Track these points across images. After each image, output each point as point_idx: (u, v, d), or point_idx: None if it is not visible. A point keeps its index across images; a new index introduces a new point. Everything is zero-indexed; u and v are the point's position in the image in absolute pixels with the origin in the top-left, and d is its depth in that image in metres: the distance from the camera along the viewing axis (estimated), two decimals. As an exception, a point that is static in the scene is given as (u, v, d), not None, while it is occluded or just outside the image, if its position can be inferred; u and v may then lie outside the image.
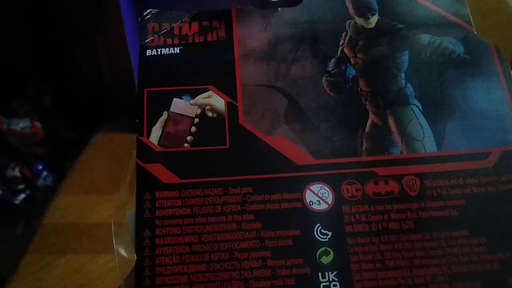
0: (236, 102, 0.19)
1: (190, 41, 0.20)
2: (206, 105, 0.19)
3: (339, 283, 0.17)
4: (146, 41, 0.20)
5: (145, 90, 0.20)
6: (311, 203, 0.18)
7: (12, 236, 0.75)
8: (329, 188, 0.18)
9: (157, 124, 0.19)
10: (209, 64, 0.20)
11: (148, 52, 0.20)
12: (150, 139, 0.19)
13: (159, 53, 0.20)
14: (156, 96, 0.19)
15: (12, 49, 0.75)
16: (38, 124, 0.75)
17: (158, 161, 0.19)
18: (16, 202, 0.76)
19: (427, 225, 0.17)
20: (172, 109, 0.19)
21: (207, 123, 0.19)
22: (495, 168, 0.18)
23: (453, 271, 0.17)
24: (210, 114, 0.19)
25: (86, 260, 0.42)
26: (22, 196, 0.77)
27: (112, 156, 0.58)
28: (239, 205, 0.18)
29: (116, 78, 0.73)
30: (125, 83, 0.59)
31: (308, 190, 0.18)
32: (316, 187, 0.18)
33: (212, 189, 0.18)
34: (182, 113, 0.19)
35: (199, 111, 0.19)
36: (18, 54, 0.76)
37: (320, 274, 0.17)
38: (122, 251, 0.19)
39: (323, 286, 0.17)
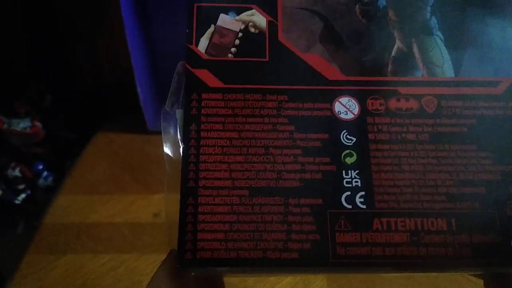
0: (277, 21, 0.22)
1: None
2: (249, 22, 0.22)
3: (360, 180, 0.20)
4: None
5: (195, 4, 0.22)
6: (339, 113, 0.20)
7: (13, 236, 0.75)
8: (356, 101, 0.21)
9: (205, 35, 0.22)
10: None
11: None
12: (198, 47, 0.21)
13: None
14: (205, 10, 0.22)
15: (12, 49, 0.75)
16: (38, 124, 0.75)
17: (205, 67, 0.21)
18: (17, 202, 0.76)
19: (441, 138, 0.20)
20: (219, 22, 0.22)
21: (249, 37, 0.21)
22: (504, 95, 0.20)
23: (460, 177, 0.20)
24: (252, 30, 0.22)
25: (86, 260, 0.42)
26: (23, 196, 0.77)
27: (112, 156, 0.58)
28: (275, 110, 0.20)
29: (116, 78, 0.73)
30: (125, 83, 0.59)
31: (337, 102, 0.21)
32: (344, 99, 0.21)
33: (252, 94, 0.21)
34: (227, 27, 0.22)
35: (243, 26, 0.22)
36: (19, 54, 0.76)
37: (344, 171, 0.20)
38: (170, 145, 0.21)
39: (346, 181, 0.20)
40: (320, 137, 0.20)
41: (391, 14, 0.22)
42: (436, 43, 0.21)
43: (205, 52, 0.21)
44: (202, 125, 0.20)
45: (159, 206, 0.49)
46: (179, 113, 0.21)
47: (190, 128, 0.20)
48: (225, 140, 0.20)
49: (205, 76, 0.21)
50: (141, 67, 0.60)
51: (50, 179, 0.77)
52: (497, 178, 0.20)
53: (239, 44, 0.21)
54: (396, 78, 0.21)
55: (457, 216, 0.19)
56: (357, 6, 0.22)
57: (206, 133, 0.20)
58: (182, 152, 0.20)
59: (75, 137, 0.78)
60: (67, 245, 0.44)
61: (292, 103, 0.21)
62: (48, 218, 0.48)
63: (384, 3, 0.22)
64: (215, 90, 0.21)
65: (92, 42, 0.73)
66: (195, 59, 0.21)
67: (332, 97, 0.21)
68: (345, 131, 0.20)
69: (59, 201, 0.50)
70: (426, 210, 0.19)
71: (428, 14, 0.22)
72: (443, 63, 0.21)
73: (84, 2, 0.69)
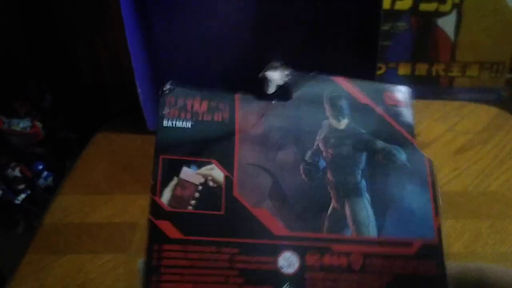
0: (232, 176, 0.24)
1: (200, 118, 0.25)
2: (209, 176, 0.24)
3: None
4: (164, 112, 0.24)
5: (161, 157, 0.24)
6: (282, 267, 0.23)
7: (13, 236, 0.75)
8: (296, 256, 0.23)
9: (168, 187, 0.23)
10: (214, 141, 0.24)
11: (165, 123, 0.24)
12: (161, 199, 0.23)
13: (174, 125, 0.24)
14: (169, 162, 0.24)
15: (12, 50, 0.75)
16: (38, 124, 0.75)
17: (167, 219, 0.23)
18: (17, 202, 0.76)
19: None
20: (181, 175, 0.23)
21: (208, 191, 0.23)
22: (415, 255, 0.23)
23: None
24: (211, 184, 0.23)
25: (86, 260, 0.42)
26: (23, 196, 0.77)
27: (112, 156, 0.58)
28: (227, 262, 0.22)
29: (116, 78, 0.73)
30: (125, 83, 0.59)
31: (280, 256, 0.23)
32: (287, 254, 0.23)
33: (208, 246, 0.22)
34: (189, 180, 0.23)
35: (202, 180, 0.23)
36: (19, 54, 0.76)
37: None
38: None
39: None
40: None
41: (329, 174, 0.25)
42: (365, 204, 0.24)
43: (168, 204, 0.23)
44: (161, 276, 0.22)
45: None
46: (141, 263, 0.23)
47: (152, 279, 0.22)
48: None
49: (167, 227, 0.22)
50: (141, 67, 0.60)
51: (50, 179, 0.77)
52: None
53: (198, 196, 0.23)
54: (330, 236, 0.23)
55: None
56: (301, 165, 0.25)
57: (166, 284, 0.22)
58: None
59: (75, 137, 0.78)
60: (67, 245, 0.44)
61: (243, 256, 0.22)
62: (48, 218, 0.48)
63: (324, 164, 0.25)
64: (176, 241, 0.22)
65: (92, 42, 0.73)
66: (158, 211, 0.23)
67: (277, 251, 0.23)
68: (287, 284, 0.22)
69: (59, 201, 0.50)
70: None
71: (359, 177, 0.25)
72: (369, 223, 0.24)
73: (84, 2, 0.69)
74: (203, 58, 0.68)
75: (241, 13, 0.65)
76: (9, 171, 0.76)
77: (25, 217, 0.76)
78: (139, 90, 0.58)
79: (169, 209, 0.23)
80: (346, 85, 0.27)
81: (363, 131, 0.26)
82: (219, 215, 0.23)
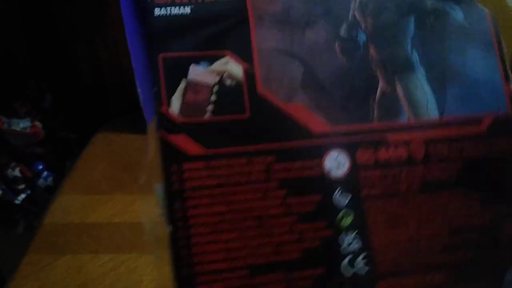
0: (253, 69, 0.19)
1: (200, 0, 0.19)
2: (224, 72, 0.19)
3: (359, 242, 0.18)
4: None
5: (161, 56, 0.19)
6: (330, 170, 0.19)
7: (13, 236, 0.75)
8: (345, 155, 0.19)
9: (176, 93, 0.18)
10: (223, 26, 0.19)
11: (157, 11, 0.20)
12: (171, 109, 0.19)
13: (168, 12, 0.19)
14: (172, 62, 0.19)
15: (12, 50, 0.75)
16: (38, 124, 0.75)
17: (182, 132, 0.18)
18: (17, 202, 0.76)
19: (431, 186, 0.19)
20: (190, 76, 0.19)
21: (226, 91, 0.19)
22: (487, 133, 0.19)
23: (453, 226, 0.19)
24: (228, 81, 0.19)
25: (86, 260, 0.42)
26: (23, 196, 0.77)
27: (112, 156, 0.58)
28: (263, 174, 0.18)
29: (116, 78, 0.73)
30: (125, 83, 0.59)
31: (327, 158, 0.19)
32: (334, 154, 0.19)
33: (237, 159, 0.18)
34: (200, 80, 0.18)
35: (217, 78, 0.19)
36: (19, 54, 0.76)
37: (342, 235, 0.18)
38: (151, 225, 0.19)
39: (345, 246, 0.18)
40: (314, 199, 0.18)
41: (371, 50, 0.20)
42: (420, 80, 0.20)
43: (179, 113, 0.18)
44: (187, 201, 0.18)
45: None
46: (158, 188, 0.18)
47: (175, 206, 0.18)
48: (216, 216, 0.18)
49: (184, 142, 0.18)
50: (141, 67, 0.60)
51: (50, 179, 0.77)
52: (487, 222, 0.19)
53: (215, 99, 0.18)
54: (383, 124, 0.19)
55: (454, 268, 0.18)
56: (336, 43, 0.20)
57: (193, 210, 0.18)
58: (170, 236, 0.18)
59: (75, 137, 0.78)
60: (67, 245, 0.44)
61: (280, 163, 0.18)
62: (48, 218, 0.48)
63: (364, 38, 0.20)
64: (197, 158, 0.18)
65: (92, 42, 0.73)
66: (169, 124, 0.18)
67: (321, 152, 0.19)
68: (338, 189, 0.19)
69: (59, 201, 0.50)
70: (425, 266, 0.18)
71: (409, 48, 0.20)
72: (427, 102, 0.20)
73: (84, 2, 0.69)
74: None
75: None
76: (9, 171, 0.75)
77: (25, 217, 0.76)
78: (139, 90, 0.58)
79: (182, 119, 0.18)
80: None
81: None
82: (244, 119, 0.18)
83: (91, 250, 0.43)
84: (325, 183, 0.18)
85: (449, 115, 0.19)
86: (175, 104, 0.18)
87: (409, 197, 0.19)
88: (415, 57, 0.20)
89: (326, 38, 0.20)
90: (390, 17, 0.20)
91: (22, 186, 0.76)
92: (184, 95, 0.18)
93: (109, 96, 0.76)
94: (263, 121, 0.19)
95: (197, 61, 0.19)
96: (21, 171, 0.76)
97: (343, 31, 0.20)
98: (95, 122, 0.65)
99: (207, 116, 0.18)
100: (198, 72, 0.19)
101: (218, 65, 0.19)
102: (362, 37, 0.20)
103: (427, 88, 0.20)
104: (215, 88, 0.19)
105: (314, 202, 0.18)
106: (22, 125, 0.75)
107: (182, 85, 0.19)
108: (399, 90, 0.20)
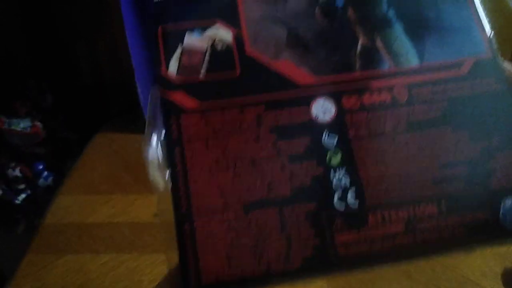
0: (242, 33, 0.21)
1: None
2: (215, 38, 0.21)
3: (348, 178, 0.20)
4: None
5: (160, 27, 0.22)
6: (317, 115, 0.20)
7: (13, 236, 0.75)
8: (331, 101, 0.21)
9: (173, 57, 0.21)
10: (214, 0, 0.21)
11: None
12: (169, 70, 0.21)
13: None
14: (170, 31, 0.21)
15: (12, 50, 0.75)
16: (39, 124, 0.75)
17: (179, 89, 0.21)
18: (17, 202, 0.76)
19: (417, 125, 0.20)
20: (185, 43, 0.21)
21: (218, 53, 0.21)
22: (468, 75, 0.21)
23: (442, 161, 0.20)
24: (220, 45, 0.21)
25: (86, 260, 0.42)
26: (23, 196, 0.77)
27: (112, 156, 0.58)
28: (255, 122, 0.20)
29: (116, 78, 0.73)
30: (125, 83, 0.59)
31: (313, 105, 0.21)
32: (320, 101, 0.21)
33: (230, 110, 0.20)
34: (195, 46, 0.21)
35: (210, 43, 0.21)
36: (19, 54, 0.76)
37: (331, 172, 0.20)
38: (157, 178, 0.21)
39: (335, 181, 0.20)
40: (303, 141, 0.20)
41: (350, 12, 0.22)
42: (397, 33, 0.22)
43: (177, 74, 0.21)
44: (186, 147, 0.20)
45: (160, 206, 0.49)
46: (159, 136, 0.21)
47: (174, 152, 0.20)
48: (212, 160, 0.20)
49: (181, 98, 0.21)
50: (141, 67, 0.60)
51: (50, 179, 0.77)
52: (476, 155, 0.20)
53: (209, 61, 0.21)
54: (365, 73, 0.21)
55: (446, 199, 0.20)
56: (316, 8, 0.22)
57: (191, 155, 0.20)
58: (170, 178, 0.20)
59: (75, 137, 0.78)
60: (67, 245, 0.44)
61: (270, 112, 0.20)
62: (49, 218, 0.48)
63: (342, 2, 0.22)
64: (193, 111, 0.21)
65: (92, 42, 0.73)
66: (168, 83, 0.21)
67: (308, 101, 0.21)
68: (326, 132, 0.20)
69: (59, 201, 0.50)
70: (415, 198, 0.20)
71: (385, 6, 0.22)
72: (407, 51, 0.21)
73: (84, 2, 0.69)
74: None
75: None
76: (10, 171, 0.76)
77: (25, 217, 0.76)
78: (139, 90, 0.58)
79: (179, 79, 0.21)
80: None
81: None
82: (235, 76, 0.21)
83: (91, 250, 0.43)
84: (313, 127, 0.20)
85: (429, 62, 0.21)
86: (173, 66, 0.21)
87: (396, 136, 0.20)
88: (391, 13, 0.22)
89: (306, 4, 0.22)
90: None
91: (22, 186, 0.77)
92: (180, 58, 0.21)
93: (109, 96, 0.76)
94: (252, 76, 0.21)
95: (191, 29, 0.21)
96: (21, 171, 0.76)
97: None
98: (95, 122, 0.65)
99: (202, 75, 0.21)
100: (192, 39, 0.21)
101: (210, 32, 0.21)
102: (340, 1, 0.22)
103: (405, 39, 0.21)
104: (208, 52, 0.21)
105: (304, 145, 0.20)
106: (22, 125, 0.75)
107: (178, 50, 0.21)
108: (379, 43, 0.21)
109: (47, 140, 0.77)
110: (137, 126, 0.62)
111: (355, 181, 0.20)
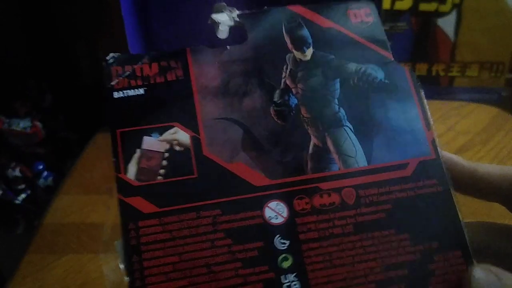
0: (199, 135, 0.22)
1: (152, 82, 0.23)
2: (173, 140, 0.22)
3: (298, 282, 0.20)
4: (112, 83, 0.23)
5: (118, 131, 0.22)
6: (270, 218, 0.21)
7: (13, 236, 0.75)
8: (284, 204, 0.21)
9: (132, 161, 0.22)
10: (172, 102, 0.23)
11: (115, 95, 0.23)
12: (127, 175, 0.22)
13: (125, 94, 0.23)
14: (128, 135, 0.22)
15: (13, 50, 0.75)
16: (38, 124, 0.75)
17: (137, 195, 0.21)
18: (17, 201, 0.76)
19: (363, 227, 0.21)
20: (143, 146, 0.22)
21: (175, 156, 0.22)
22: (412, 176, 0.22)
23: (385, 263, 0.21)
24: (177, 148, 0.22)
25: (86, 260, 0.42)
26: (23, 196, 0.77)
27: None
28: (210, 226, 0.21)
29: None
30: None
31: (266, 207, 0.21)
32: (273, 204, 0.21)
33: (186, 214, 0.21)
34: (152, 149, 0.22)
35: (167, 146, 0.22)
36: (19, 54, 0.76)
37: (282, 277, 0.20)
38: (114, 277, 0.22)
39: (286, 286, 0.20)
40: (256, 245, 0.21)
41: (303, 111, 0.23)
42: (347, 134, 0.22)
43: (135, 178, 0.21)
44: (143, 254, 0.20)
45: None
46: (118, 244, 0.21)
47: (133, 260, 0.20)
48: (168, 266, 0.20)
49: (139, 203, 0.21)
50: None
51: (50, 179, 0.77)
52: (417, 257, 0.21)
53: (166, 164, 0.22)
54: (316, 175, 0.22)
55: None
56: (271, 108, 0.23)
57: (148, 262, 0.20)
58: (129, 286, 0.20)
59: (75, 137, 0.78)
60: (67, 245, 0.44)
61: (225, 216, 0.21)
62: (48, 218, 0.48)
63: (296, 101, 0.23)
64: (151, 215, 0.21)
65: (92, 42, 0.73)
66: (126, 188, 0.22)
67: (261, 203, 0.21)
68: (278, 235, 0.21)
69: (59, 201, 0.50)
70: None
71: (336, 107, 0.23)
72: (356, 153, 0.22)
73: (84, 2, 0.69)
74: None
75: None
76: (10, 171, 0.76)
77: (25, 217, 0.76)
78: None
79: (137, 183, 0.21)
80: (304, 12, 0.24)
81: (332, 56, 0.24)
82: (193, 178, 0.21)
83: (91, 250, 0.43)
84: (266, 231, 0.21)
85: (377, 163, 0.22)
86: (132, 170, 0.22)
87: (344, 239, 0.21)
88: (342, 114, 0.23)
89: (262, 104, 0.23)
90: (318, 81, 0.23)
91: (22, 186, 0.77)
92: (138, 162, 0.22)
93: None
94: (209, 179, 0.22)
95: (149, 133, 0.22)
96: (21, 171, 0.76)
97: (276, 97, 0.23)
98: (95, 122, 0.65)
99: (159, 179, 0.21)
100: (150, 142, 0.22)
101: (167, 134, 0.22)
102: (293, 101, 0.23)
103: (355, 141, 0.22)
104: (166, 155, 0.22)
105: (257, 248, 0.21)
106: (22, 125, 0.75)
107: (137, 154, 0.22)
108: (330, 144, 0.22)
109: (47, 140, 0.77)
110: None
111: (305, 286, 0.20)
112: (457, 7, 0.62)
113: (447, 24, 0.62)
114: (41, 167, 0.77)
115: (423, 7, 0.62)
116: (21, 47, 0.75)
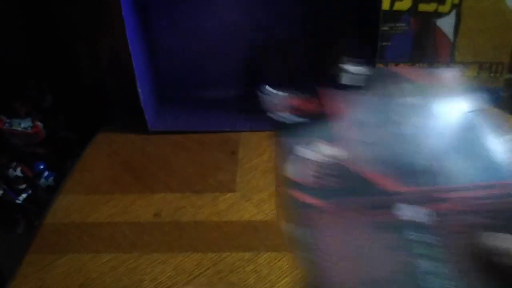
0: (344, 152, 0.27)
1: (297, 110, 0.28)
2: (324, 153, 0.26)
3: None
4: (277, 108, 0.28)
5: (280, 139, 0.27)
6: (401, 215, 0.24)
7: (14, 236, 0.75)
8: (414, 206, 0.24)
9: (290, 163, 0.27)
10: (318, 125, 0.28)
11: (276, 116, 0.28)
12: (288, 172, 0.25)
13: (283, 117, 0.28)
14: (288, 144, 0.27)
15: (13, 50, 0.75)
16: (39, 124, 0.75)
17: (297, 189, 0.25)
18: (18, 201, 0.76)
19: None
20: (299, 153, 0.26)
21: (324, 164, 0.26)
22: None
23: None
24: (328, 160, 0.26)
25: (87, 259, 0.42)
26: (24, 195, 0.77)
27: (113, 156, 0.58)
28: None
29: (116, 78, 0.73)
30: (125, 83, 0.59)
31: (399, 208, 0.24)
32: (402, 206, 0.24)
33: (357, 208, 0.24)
34: (308, 157, 0.26)
35: (319, 156, 0.26)
36: (19, 54, 0.76)
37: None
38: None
39: None
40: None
41: None
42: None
43: (293, 176, 0.25)
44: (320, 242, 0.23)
45: (159, 206, 0.49)
46: (291, 228, 0.23)
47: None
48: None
49: (300, 196, 0.24)
50: (141, 67, 0.60)
51: (51, 179, 0.78)
52: None
53: (320, 170, 0.25)
54: (448, 187, 0.25)
55: None
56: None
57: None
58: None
59: (76, 137, 0.78)
60: (68, 244, 0.44)
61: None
62: (49, 217, 0.48)
63: None
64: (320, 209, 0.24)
65: (92, 42, 0.73)
66: (289, 182, 0.25)
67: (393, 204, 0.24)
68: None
69: (60, 201, 0.50)
70: None
71: None
72: None
73: (84, 2, 0.69)
74: (203, 58, 0.68)
75: (240, 14, 0.65)
76: (10, 171, 0.76)
77: (26, 217, 0.76)
78: (139, 90, 0.58)
79: (296, 180, 0.25)
80: None
81: None
82: (341, 186, 0.25)
83: (91, 250, 0.44)
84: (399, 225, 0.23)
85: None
86: (291, 169, 0.25)
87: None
88: None
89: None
90: None
91: (23, 186, 0.77)
92: (296, 165, 0.26)
93: (109, 96, 0.76)
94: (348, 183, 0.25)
95: (305, 145, 0.27)
96: (22, 171, 0.76)
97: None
98: (95, 122, 0.65)
99: (312, 179, 0.25)
100: (305, 152, 0.26)
101: (317, 148, 0.26)
102: None
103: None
104: (320, 162, 0.26)
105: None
106: (23, 125, 0.75)
107: (294, 157, 0.26)
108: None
109: (47, 140, 0.77)
110: (137, 126, 0.62)
111: None
112: (457, 7, 0.62)
113: (446, 24, 0.63)
114: (42, 167, 0.77)
115: (423, 7, 0.62)
116: (21, 47, 0.75)
